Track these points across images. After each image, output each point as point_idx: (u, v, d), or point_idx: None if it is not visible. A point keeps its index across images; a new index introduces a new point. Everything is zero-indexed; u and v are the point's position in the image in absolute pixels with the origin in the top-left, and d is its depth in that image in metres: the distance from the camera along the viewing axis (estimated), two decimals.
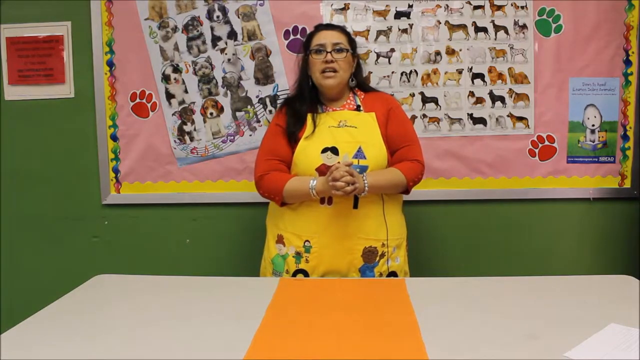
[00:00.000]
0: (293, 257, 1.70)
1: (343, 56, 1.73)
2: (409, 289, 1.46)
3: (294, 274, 1.70)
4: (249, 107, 2.28)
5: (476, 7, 2.20)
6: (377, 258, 1.69)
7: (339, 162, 1.59)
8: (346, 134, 1.69)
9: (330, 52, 1.72)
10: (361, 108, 1.76)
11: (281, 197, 1.69)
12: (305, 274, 1.69)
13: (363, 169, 1.66)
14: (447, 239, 2.32)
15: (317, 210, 1.67)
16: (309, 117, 1.74)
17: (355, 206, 1.66)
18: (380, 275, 1.69)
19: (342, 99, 1.79)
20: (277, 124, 1.78)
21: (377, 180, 1.64)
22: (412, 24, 2.22)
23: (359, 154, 1.67)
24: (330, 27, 1.81)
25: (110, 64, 2.29)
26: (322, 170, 1.65)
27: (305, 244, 1.68)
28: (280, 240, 1.74)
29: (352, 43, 1.80)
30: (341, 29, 1.80)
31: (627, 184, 2.26)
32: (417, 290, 1.45)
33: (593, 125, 2.24)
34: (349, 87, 1.80)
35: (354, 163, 1.65)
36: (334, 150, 1.67)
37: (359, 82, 1.83)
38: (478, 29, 2.21)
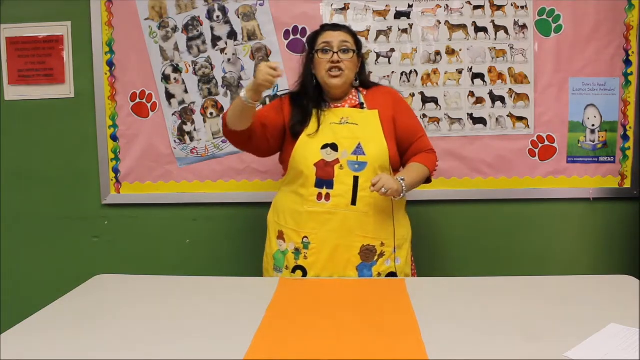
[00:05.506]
0: (292, 253, 1.71)
1: (349, 57, 1.73)
2: (409, 289, 1.46)
3: (293, 270, 1.70)
4: None
5: (476, 7, 2.20)
6: (376, 257, 1.69)
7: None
8: (347, 130, 1.70)
9: (337, 52, 1.72)
10: (364, 106, 1.77)
11: (225, 122, 1.69)
12: (304, 270, 1.69)
13: (362, 165, 1.66)
14: (447, 239, 2.31)
15: (315, 207, 1.67)
16: (314, 114, 1.75)
17: (354, 202, 1.66)
18: (379, 275, 1.69)
19: (346, 97, 1.79)
20: (279, 109, 1.78)
21: (412, 182, 1.68)
22: (412, 24, 2.22)
23: (358, 150, 1.67)
24: (337, 27, 1.80)
25: (110, 64, 2.29)
26: (321, 165, 1.66)
27: (304, 240, 1.68)
28: (280, 236, 1.75)
29: (357, 44, 1.79)
30: (347, 30, 1.79)
31: (627, 184, 2.26)
32: (417, 290, 1.46)
33: (593, 125, 2.24)
34: (352, 86, 1.80)
35: (353, 159, 1.66)
36: (334, 147, 1.68)
37: (362, 81, 1.83)
38: (478, 29, 2.21)
